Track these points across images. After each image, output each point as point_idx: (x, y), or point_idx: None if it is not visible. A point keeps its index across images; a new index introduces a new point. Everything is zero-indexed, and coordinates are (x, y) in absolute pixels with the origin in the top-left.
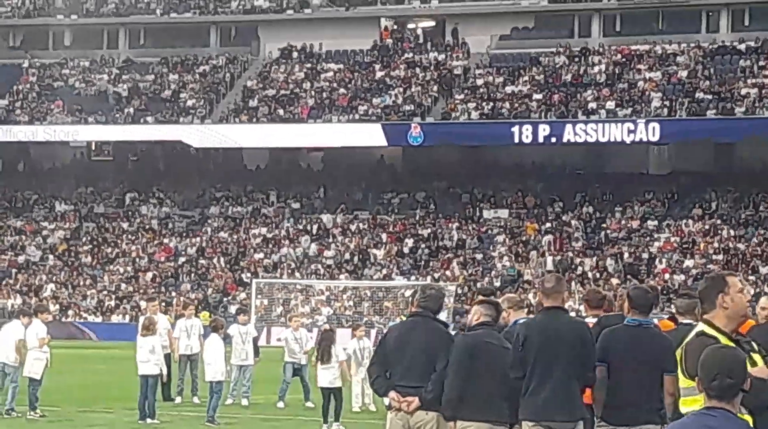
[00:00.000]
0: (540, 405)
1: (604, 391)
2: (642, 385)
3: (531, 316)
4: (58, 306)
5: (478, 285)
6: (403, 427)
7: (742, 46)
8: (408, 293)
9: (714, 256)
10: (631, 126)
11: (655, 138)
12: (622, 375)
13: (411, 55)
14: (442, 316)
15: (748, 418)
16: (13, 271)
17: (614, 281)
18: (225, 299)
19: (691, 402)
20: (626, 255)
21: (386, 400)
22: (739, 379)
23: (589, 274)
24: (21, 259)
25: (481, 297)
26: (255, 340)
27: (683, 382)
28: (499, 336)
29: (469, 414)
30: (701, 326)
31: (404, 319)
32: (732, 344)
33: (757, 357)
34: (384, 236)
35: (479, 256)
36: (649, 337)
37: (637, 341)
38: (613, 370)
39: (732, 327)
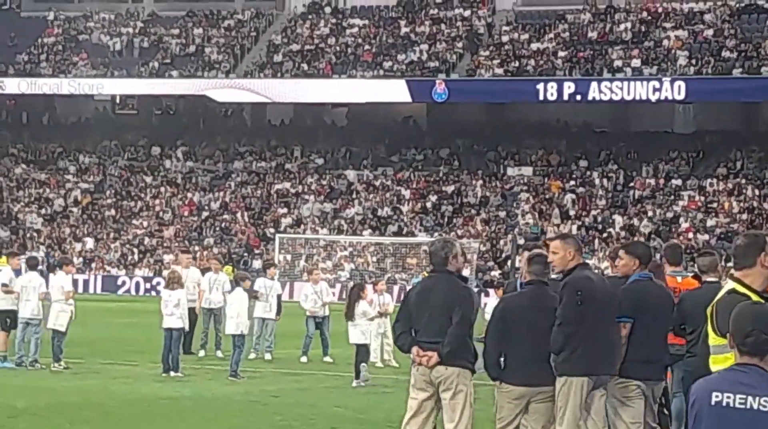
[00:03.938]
0: (593, 359)
1: (625, 347)
2: (663, 340)
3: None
4: (81, 259)
5: (501, 242)
6: (425, 381)
7: None
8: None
9: (738, 216)
10: (657, 84)
11: (681, 96)
12: (650, 330)
13: (436, 11)
14: (465, 272)
15: None
16: (37, 223)
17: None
18: (245, 254)
19: (722, 360)
20: (650, 214)
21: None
22: None
23: (613, 233)
24: (45, 211)
25: (526, 252)
26: (279, 297)
27: (714, 339)
28: (542, 295)
29: (510, 378)
30: (731, 284)
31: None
32: (763, 301)
33: None
34: (407, 193)
35: (502, 214)
36: (660, 291)
37: (660, 296)
38: (639, 326)
39: (764, 286)
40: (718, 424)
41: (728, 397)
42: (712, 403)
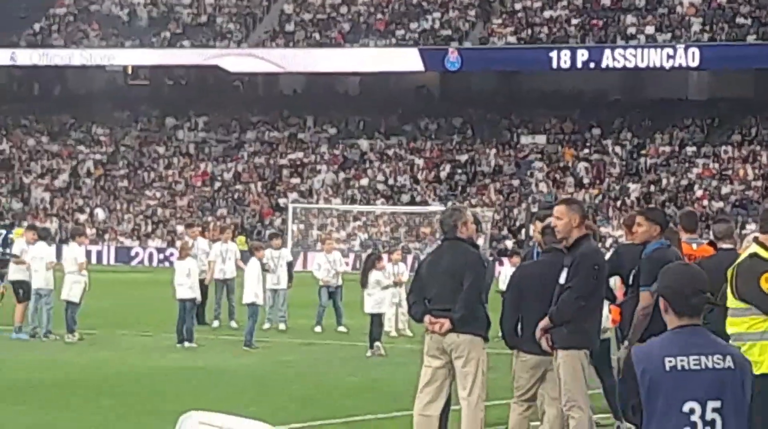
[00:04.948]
0: (594, 333)
1: (649, 317)
2: None
3: None
4: (94, 230)
5: (515, 211)
6: (437, 349)
7: None
8: None
9: (753, 183)
10: (671, 51)
11: (695, 63)
12: None
13: None
14: (479, 241)
15: None
16: (50, 195)
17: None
18: (258, 225)
19: (739, 323)
20: (664, 181)
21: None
22: (708, 292)
23: (627, 201)
24: (57, 183)
25: (538, 222)
26: (290, 265)
27: (732, 302)
28: (559, 263)
29: (526, 346)
30: (754, 247)
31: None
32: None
33: None
34: (421, 162)
35: (516, 182)
36: (677, 258)
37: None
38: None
39: None
40: (677, 388)
41: (682, 361)
42: (667, 369)
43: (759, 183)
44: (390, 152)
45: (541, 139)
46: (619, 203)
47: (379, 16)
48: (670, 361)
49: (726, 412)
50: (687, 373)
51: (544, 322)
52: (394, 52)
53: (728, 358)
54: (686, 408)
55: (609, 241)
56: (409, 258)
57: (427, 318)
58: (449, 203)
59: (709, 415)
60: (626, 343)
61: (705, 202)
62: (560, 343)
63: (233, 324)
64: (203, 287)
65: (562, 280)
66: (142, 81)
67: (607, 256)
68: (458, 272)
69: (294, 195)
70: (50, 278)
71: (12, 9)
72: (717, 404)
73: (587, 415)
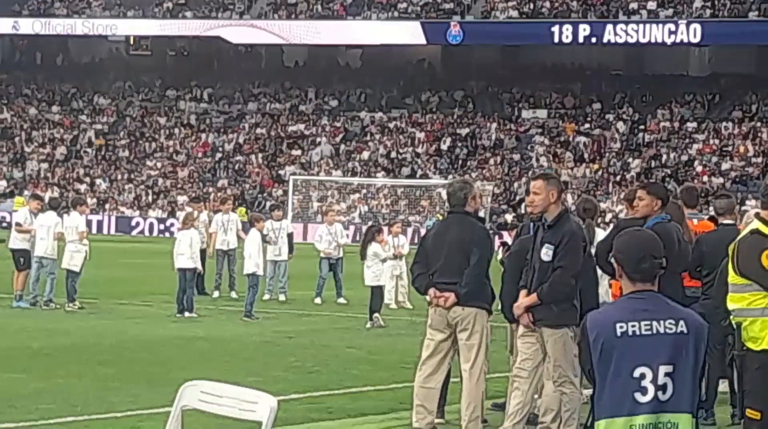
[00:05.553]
0: (578, 309)
1: None
2: (681, 282)
3: None
4: (95, 200)
5: (515, 185)
6: (441, 322)
7: None
8: (444, 192)
9: (753, 159)
10: (672, 27)
11: (696, 39)
12: (671, 273)
13: None
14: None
15: None
16: (50, 164)
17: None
18: (259, 196)
19: (739, 299)
20: (664, 157)
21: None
22: (662, 258)
23: (627, 176)
24: (59, 152)
25: (527, 196)
26: (290, 236)
27: (733, 278)
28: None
29: None
30: (756, 224)
31: (440, 218)
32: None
33: None
34: (422, 135)
35: (517, 156)
36: (678, 233)
37: (678, 238)
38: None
39: None
40: (628, 353)
41: (633, 326)
42: (618, 334)
43: (759, 159)
44: (391, 125)
45: (542, 113)
46: (619, 178)
47: None
48: (621, 327)
49: (678, 377)
50: (638, 338)
51: (530, 300)
52: (396, 25)
53: (681, 322)
54: (637, 373)
55: (609, 217)
56: (409, 231)
57: (431, 291)
58: (450, 177)
59: (661, 380)
60: None
61: (705, 178)
62: (551, 322)
63: (233, 294)
64: (202, 258)
65: (545, 256)
66: (144, 51)
67: (607, 231)
68: (465, 247)
69: (295, 167)
70: (54, 247)
71: None
72: (669, 369)
73: (578, 389)
